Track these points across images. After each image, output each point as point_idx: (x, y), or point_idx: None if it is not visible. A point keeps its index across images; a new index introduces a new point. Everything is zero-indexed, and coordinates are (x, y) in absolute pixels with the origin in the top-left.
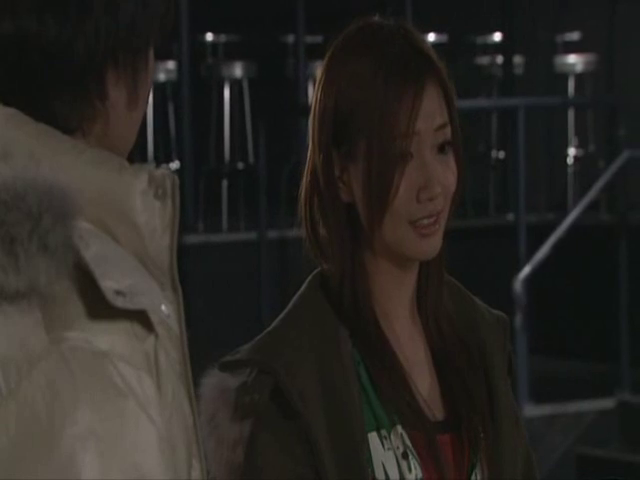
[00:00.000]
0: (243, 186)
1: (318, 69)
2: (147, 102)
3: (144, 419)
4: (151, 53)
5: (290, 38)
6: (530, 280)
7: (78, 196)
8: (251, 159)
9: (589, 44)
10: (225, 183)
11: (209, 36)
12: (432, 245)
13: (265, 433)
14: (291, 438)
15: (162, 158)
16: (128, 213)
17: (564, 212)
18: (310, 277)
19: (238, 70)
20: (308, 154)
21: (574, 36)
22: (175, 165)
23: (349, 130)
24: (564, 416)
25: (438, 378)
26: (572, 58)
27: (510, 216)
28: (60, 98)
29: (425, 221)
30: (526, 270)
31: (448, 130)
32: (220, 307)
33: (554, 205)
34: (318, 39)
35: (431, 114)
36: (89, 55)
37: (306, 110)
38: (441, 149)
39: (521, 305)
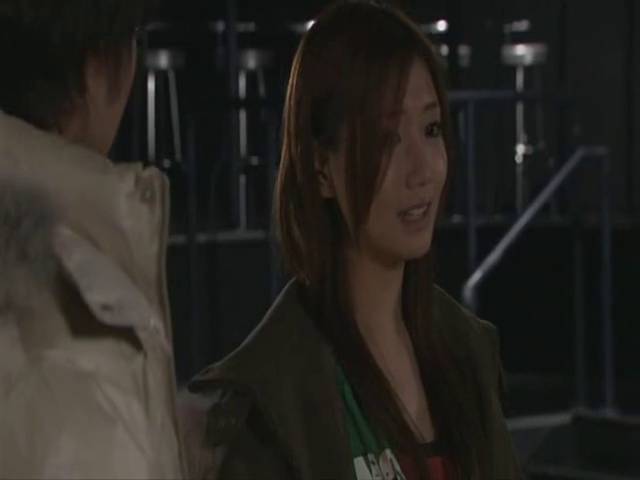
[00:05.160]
0: (170, 186)
1: (296, 56)
2: (128, 95)
3: (133, 447)
4: (134, 42)
5: (220, 25)
6: (481, 286)
7: (59, 198)
8: (178, 156)
9: (538, 34)
10: None
11: None
12: (422, 241)
13: (240, 461)
14: (269, 468)
15: None
16: (112, 217)
17: (513, 213)
18: (286, 287)
19: (163, 60)
20: (282, 149)
21: (522, 26)
22: None
23: (329, 115)
24: (517, 432)
25: (426, 393)
26: (521, 49)
27: (456, 218)
28: (34, 90)
29: (415, 212)
30: (476, 276)
31: (437, 111)
32: None
33: (502, 206)
34: (250, 27)
35: (419, 91)
36: (66, 42)
37: (237, 103)
38: (429, 132)
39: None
